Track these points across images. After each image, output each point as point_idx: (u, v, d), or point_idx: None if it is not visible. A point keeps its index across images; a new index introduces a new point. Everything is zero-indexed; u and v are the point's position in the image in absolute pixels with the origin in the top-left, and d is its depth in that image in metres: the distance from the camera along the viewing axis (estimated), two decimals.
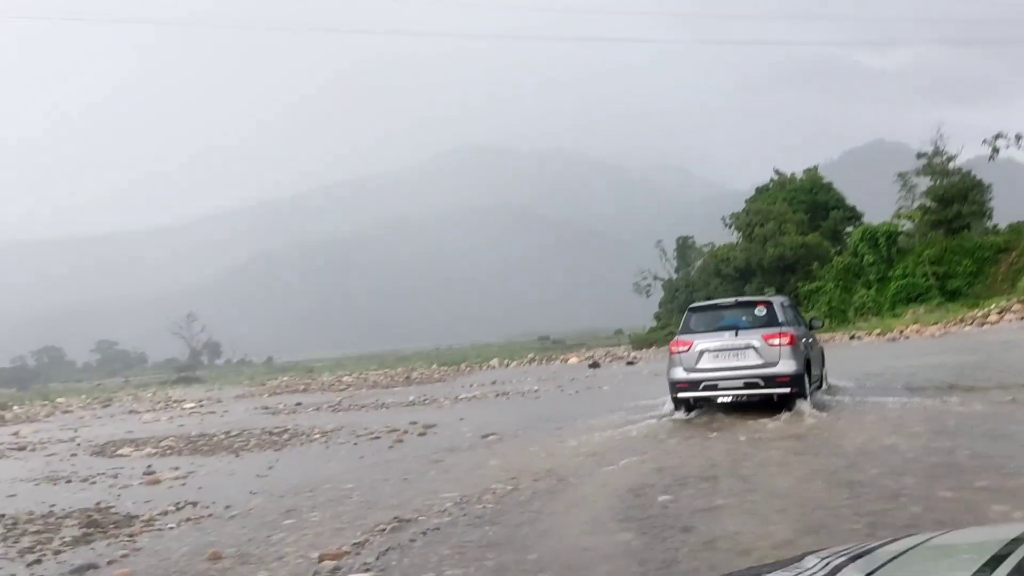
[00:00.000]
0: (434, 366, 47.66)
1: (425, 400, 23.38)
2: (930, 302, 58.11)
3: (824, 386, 14.45)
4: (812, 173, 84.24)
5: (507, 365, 42.94)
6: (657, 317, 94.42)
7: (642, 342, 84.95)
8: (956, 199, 63.99)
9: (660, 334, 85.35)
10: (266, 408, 25.88)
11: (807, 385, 11.99)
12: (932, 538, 1.41)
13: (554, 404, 19.18)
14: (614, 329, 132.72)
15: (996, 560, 1.09)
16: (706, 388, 11.98)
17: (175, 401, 34.55)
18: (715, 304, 13.81)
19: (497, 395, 23.42)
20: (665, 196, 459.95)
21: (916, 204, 68.99)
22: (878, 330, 40.48)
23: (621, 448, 10.83)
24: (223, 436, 16.91)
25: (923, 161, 69.36)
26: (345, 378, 42.55)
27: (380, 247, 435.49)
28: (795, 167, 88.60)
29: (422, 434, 14.73)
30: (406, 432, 15.03)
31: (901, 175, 71.18)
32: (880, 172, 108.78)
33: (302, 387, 37.62)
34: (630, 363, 31.23)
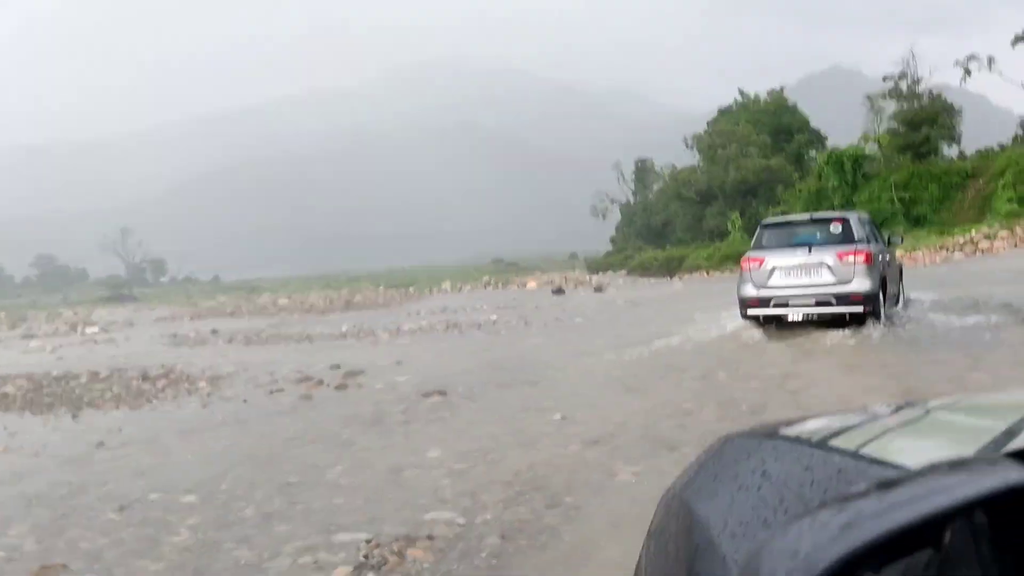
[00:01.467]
0: (381, 288, 42.93)
1: (360, 332, 19.13)
2: (896, 227, 55.51)
3: (901, 303, 13.53)
4: (776, 95, 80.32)
5: (460, 289, 38.45)
6: (613, 241, 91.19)
7: (598, 266, 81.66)
8: (925, 123, 60.97)
9: (617, 258, 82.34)
10: (174, 337, 21.59)
11: (882, 304, 11.38)
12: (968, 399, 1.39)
13: (520, 343, 14.93)
14: (569, 252, 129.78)
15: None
16: (777, 305, 11.50)
17: (85, 324, 30.02)
18: (789, 220, 13.37)
19: (447, 327, 19.06)
20: (624, 120, 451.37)
21: (883, 128, 65.88)
22: None
23: (644, 429, 6.94)
24: (86, 379, 12.77)
25: (890, 84, 66.19)
26: (281, 301, 38.00)
27: (336, 164, 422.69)
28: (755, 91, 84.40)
29: (341, 387, 10.61)
30: (321, 383, 11.01)
31: (869, 97, 67.64)
32: (837, 98, 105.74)
33: (231, 310, 33.18)
34: (598, 290, 27.24)
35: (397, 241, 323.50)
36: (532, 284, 35.39)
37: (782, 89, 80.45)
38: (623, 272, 68.64)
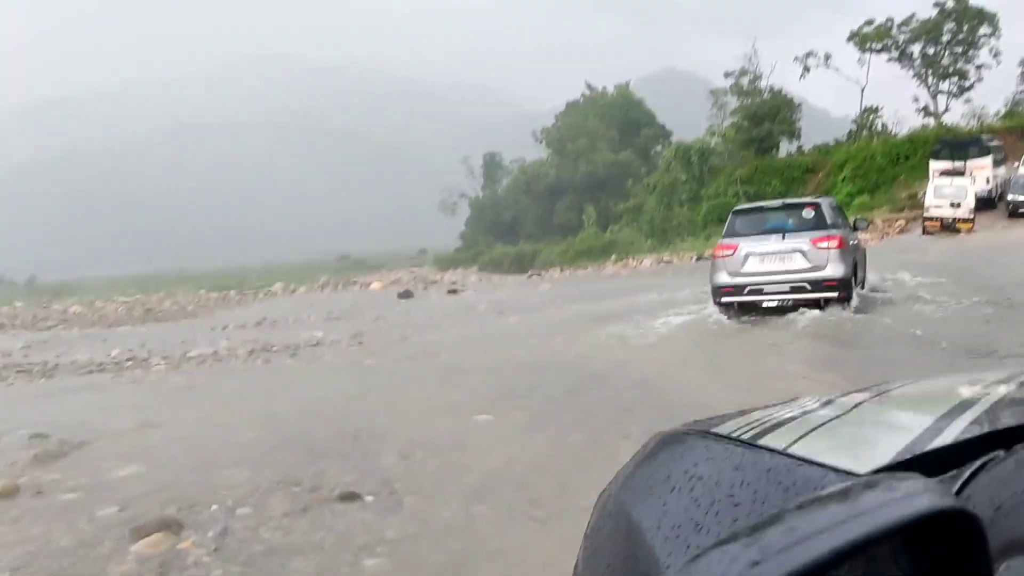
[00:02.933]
0: (202, 292, 36.86)
1: (132, 359, 13.85)
2: None
3: (864, 287, 13.11)
4: (623, 89, 79.23)
5: (293, 291, 32.77)
6: (463, 237, 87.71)
7: (447, 263, 78.22)
8: (767, 118, 61.27)
9: (467, 254, 78.91)
10: None
11: (854, 288, 11.43)
12: (907, 385, 1.43)
13: (347, 385, 9.76)
14: (418, 249, 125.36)
15: (969, 402, 1.10)
16: (751, 292, 11.37)
17: None
18: (761, 206, 13.32)
19: (252, 351, 13.98)
20: (468, 114, 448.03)
21: (727, 122, 65.86)
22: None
23: None
24: None
25: (731, 80, 66.35)
26: (74, 309, 31.30)
27: (167, 158, 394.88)
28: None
29: (3, 495, 5.92)
30: None
31: (713, 92, 67.41)
32: (674, 100, 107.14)
33: (4, 321, 26.60)
34: (453, 291, 22.70)
35: (239, 239, 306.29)
36: (376, 285, 30.59)
37: (628, 83, 79.45)
38: (474, 269, 65.31)
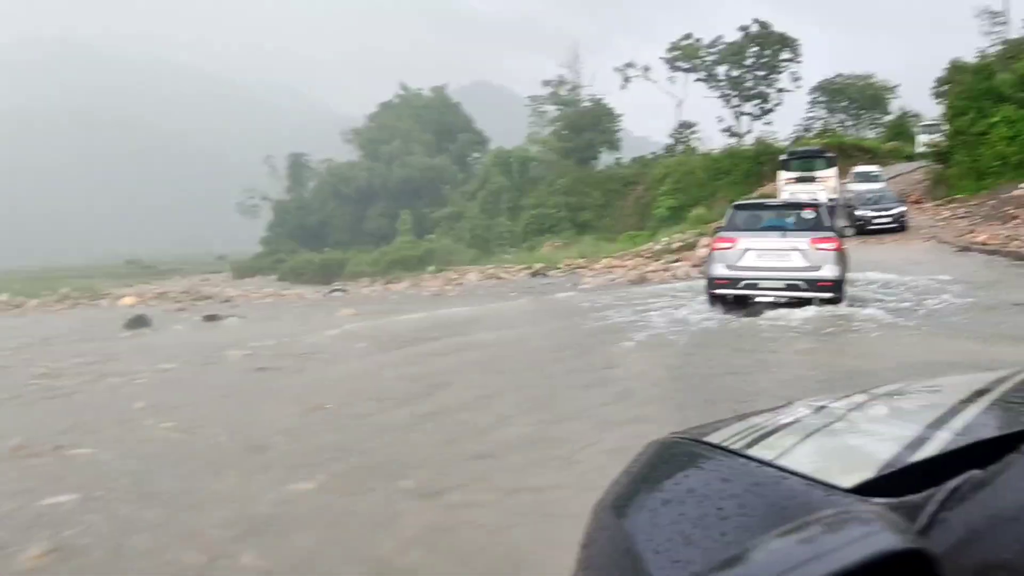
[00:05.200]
0: None
1: None
2: (563, 234, 52.19)
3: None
4: (439, 91, 74.58)
5: (19, 306, 23.86)
6: (264, 242, 79.15)
7: (245, 270, 69.87)
8: (588, 127, 58.98)
9: (267, 260, 70.92)
10: None
11: (844, 290, 11.02)
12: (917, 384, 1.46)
13: None
14: (217, 255, 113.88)
15: (978, 395, 1.14)
16: (746, 287, 11.06)
17: None
18: (763, 203, 13.56)
19: None
20: (275, 116, 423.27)
21: (547, 131, 63.02)
22: (575, 261, 30.89)
23: None
24: None
25: (550, 89, 63.74)
26: None
27: None
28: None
29: None
30: None
31: (532, 99, 64.34)
32: (487, 112, 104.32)
33: None
34: (212, 318, 14.48)
35: (14, 240, 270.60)
36: (128, 300, 23.28)
37: (444, 86, 74.92)
38: (274, 278, 57.91)
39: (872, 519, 0.54)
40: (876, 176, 31.32)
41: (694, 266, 21.44)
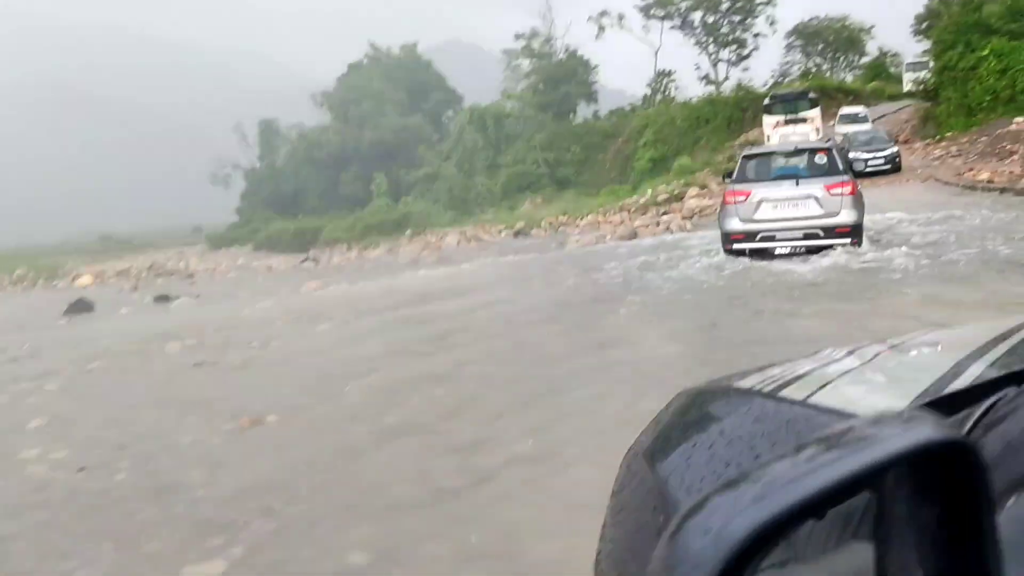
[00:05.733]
0: None
1: None
2: (543, 191, 50.74)
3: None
4: (410, 50, 72.13)
5: None
6: (239, 212, 76.91)
7: (221, 241, 67.92)
8: (564, 80, 57.09)
9: (243, 231, 68.88)
10: None
11: (863, 234, 10.61)
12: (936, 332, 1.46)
13: None
14: (192, 227, 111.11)
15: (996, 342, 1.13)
16: (763, 239, 10.53)
17: None
18: (773, 151, 12.40)
19: None
20: (244, 82, 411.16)
21: (522, 85, 61.04)
22: (553, 220, 29.51)
23: None
24: None
25: (523, 42, 61.62)
26: None
27: None
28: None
29: None
30: None
31: (506, 52, 62.29)
32: (460, 70, 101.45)
33: None
34: (163, 299, 13.06)
35: None
36: (85, 280, 21.57)
37: (415, 44, 72.39)
38: (249, 248, 56.33)
39: (915, 415, 0.54)
40: (863, 117, 30.32)
41: (685, 217, 20.26)
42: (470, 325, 7.62)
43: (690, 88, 62.29)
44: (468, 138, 55.03)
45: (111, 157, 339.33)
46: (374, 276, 14.52)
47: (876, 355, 1.24)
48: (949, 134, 26.92)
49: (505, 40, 66.57)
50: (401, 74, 67.63)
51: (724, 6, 62.79)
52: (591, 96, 57.04)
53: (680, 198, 26.76)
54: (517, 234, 25.09)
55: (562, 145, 54.14)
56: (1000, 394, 0.71)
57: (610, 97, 73.23)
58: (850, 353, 1.24)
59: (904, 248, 10.20)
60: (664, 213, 23.06)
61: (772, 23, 63.08)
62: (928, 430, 0.52)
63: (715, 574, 0.42)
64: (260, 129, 74.40)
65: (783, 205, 10.57)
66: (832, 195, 10.38)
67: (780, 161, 11.55)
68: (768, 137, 28.46)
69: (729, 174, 11.74)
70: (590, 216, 28.41)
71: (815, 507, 0.46)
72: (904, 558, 0.52)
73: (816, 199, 10.45)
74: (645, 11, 61.06)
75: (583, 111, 58.14)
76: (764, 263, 10.16)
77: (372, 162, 59.69)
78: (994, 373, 0.91)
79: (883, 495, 0.52)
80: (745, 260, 10.53)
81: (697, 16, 62.86)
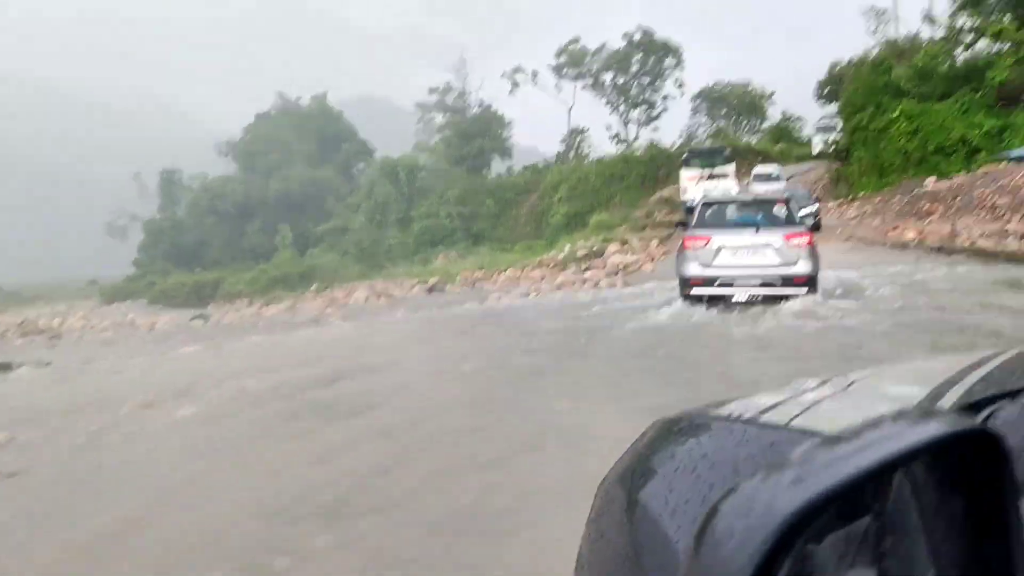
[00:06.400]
0: None
1: None
2: (457, 245, 49.36)
3: None
4: (320, 101, 70.37)
5: None
6: (138, 264, 72.41)
7: (116, 294, 63.46)
8: (478, 134, 56.33)
9: (139, 284, 64.55)
10: None
11: (818, 285, 10.65)
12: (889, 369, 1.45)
13: None
14: (87, 279, 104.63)
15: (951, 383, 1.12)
16: (722, 285, 10.52)
17: None
18: (733, 199, 12.75)
19: None
20: (146, 131, 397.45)
21: (436, 139, 60.00)
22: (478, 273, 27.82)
23: None
24: None
25: (436, 97, 60.83)
26: None
27: None
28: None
29: None
30: None
31: (419, 106, 61.29)
32: (372, 126, 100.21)
33: None
34: (2, 368, 10.46)
35: None
36: None
37: (325, 94, 70.67)
38: (144, 302, 52.53)
39: (937, 410, 0.55)
40: (777, 176, 30.28)
41: (610, 273, 19.01)
42: (362, 410, 5.84)
43: (602, 146, 62.91)
44: (380, 190, 53.46)
45: (7, 208, 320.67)
46: (268, 336, 12.49)
47: (852, 382, 1.22)
48: (862, 194, 26.92)
49: (419, 95, 65.55)
50: (311, 125, 65.75)
51: (634, 68, 63.89)
52: (505, 151, 56.43)
53: (601, 254, 25.67)
54: (431, 290, 23.33)
55: (476, 199, 53.14)
56: (994, 406, 0.72)
57: (524, 154, 73.04)
58: (824, 382, 1.22)
59: (862, 302, 10.12)
60: (587, 269, 21.82)
61: (680, 85, 64.48)
62: (953, 420, 0.52)
63: (763, 553, 0.42)
64: (161, 179, 70.81)
65: (742, 252, 10.55)
66: (790, 245, 10.34)
67: (740, 209, 11.52)
68: (685, 190, 28.76)
69: (683, 223, 11.89)
70: (508, 271, 26.99)
71: (850, 492, 0.46)
72: (933, 547, 0.52)
73: (775, 248, 10.42)
74: (557, 70, 61.38)
75: (497, 166, 57.47)
76: (716, 321, 9.35)
77: (279, 214, 57.23)
78: (977, 395, 0.91)
79: (913, 483, 0.53)
80: (688, 316, 10.11)
81: (608, 77, 63.73)
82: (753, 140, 61.51)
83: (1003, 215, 17.78)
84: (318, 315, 18.55)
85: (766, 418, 0.95)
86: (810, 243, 10.50)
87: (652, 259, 21.21)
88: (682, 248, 11.08)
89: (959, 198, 20.25)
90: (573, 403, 5.66)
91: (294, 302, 27.60)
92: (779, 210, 11.17)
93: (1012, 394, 0.81)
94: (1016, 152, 22.10)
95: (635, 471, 0.97)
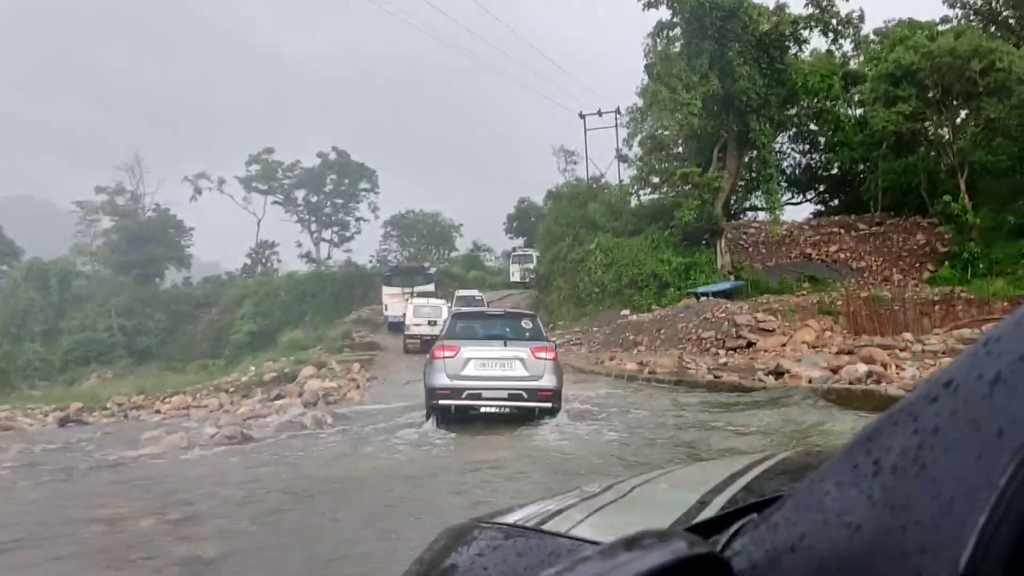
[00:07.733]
0: None
1: None
2: (117, 363, 41.78)
3: None
4: None
5: None
6: None
7: None
8: (151, 240, 49.53)
9: None
10: None
11: (561, 402, 10.96)
12: (654, 477, 1.49)
13: None
14: None
15: (717, 490, 1.18)
16: (469, 396, 10.45)
17: None
18: (482, 312, 13.73)
19: None
20: None
21: (98, 243, 51.74)
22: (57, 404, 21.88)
23: None
24: None
25: (104, 197, 53.06)
26: None
27: None
28: None
29: None
30: None
31: (80, 205, 52.84)
32: (29, 229, 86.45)
33: None
34: None
35: None
36: None
37: None
38: None
39: (671, 535, 0.59)
40: (479, 300, 29.63)
41: (308, 403, 15.52)
42: None
43: (292, 263, 59.26)
44: (22, 296, 44.26)
45: None
46: None
47: (632, 489, 1.28)
48: (562, 323, 26.69)
49: (86, 195, 56.79)
50: None
51: (328, 188, 61.93)
52: (183, 260, 50.37)
53: (294, 378, 22.03)
54: (64, 422, 17.56)
55: (144, 312, 46.25)
56: (745, 520, 0.76)
57: (206, 269, 66.51)
58: (607, 488, 1.27)
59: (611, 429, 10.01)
60: (278, 397, 18.09)
61: (374, 209, 63.70)
62: (685, 546, 0.55)
63: None
64: None
65: (491, 364, 10.51)
66: (537, 359, 10.41)
67: (488, 322, 11.59)
68: (387, 307, 29.02)
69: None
70: (176, 397, 22.07)
71: None
72: None
73: (522, 361, 10.46)
74: (246, 183, 57.32)
75: (173, 276, 50.97)
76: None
77: None
78: (736, 504, 0.96)
79: None
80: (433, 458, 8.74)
81: (300, 194, 60.95)
82: (443, 267, 62.17)
83: (708, 348, 17.71)
84: None
85: (548, 525, 0.98)
86: (555, 358, 10.67)
87: (358, 386, 18.18)
88: (431, 358, 10.85)
89: (662, 330, 20.21)
90: None
91: None
92: (527, 324, 11.19)
93: (767, 502, 0.83)
94: (701, 289, 23.17)
95: None
